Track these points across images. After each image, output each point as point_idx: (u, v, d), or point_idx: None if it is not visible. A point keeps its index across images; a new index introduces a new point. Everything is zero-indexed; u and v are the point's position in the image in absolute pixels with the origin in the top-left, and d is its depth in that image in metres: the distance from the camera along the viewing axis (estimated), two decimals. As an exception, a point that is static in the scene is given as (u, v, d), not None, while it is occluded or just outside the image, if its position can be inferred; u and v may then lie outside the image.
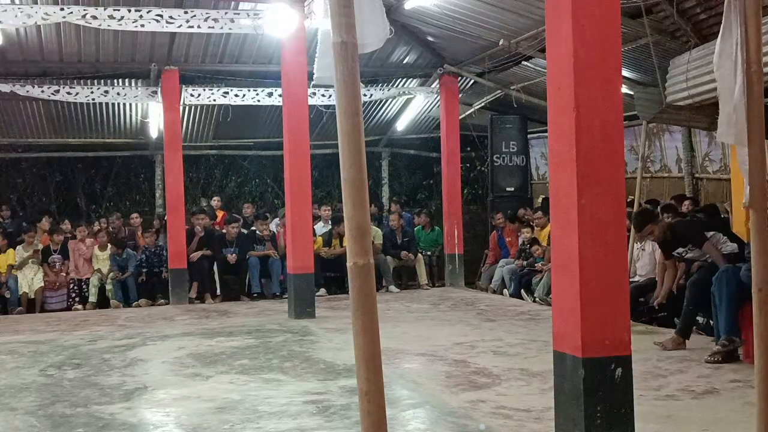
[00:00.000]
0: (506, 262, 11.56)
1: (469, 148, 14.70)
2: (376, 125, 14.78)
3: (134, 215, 12.68)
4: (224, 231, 11.75)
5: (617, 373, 3.84)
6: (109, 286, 11.24)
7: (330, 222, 12.16)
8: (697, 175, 10.78)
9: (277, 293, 11.45)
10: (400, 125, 14.90)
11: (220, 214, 12.94)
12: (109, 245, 11.49)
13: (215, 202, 13.50)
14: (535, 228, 11.28)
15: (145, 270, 11.42)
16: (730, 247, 6.84)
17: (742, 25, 3.11)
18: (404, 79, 12.97)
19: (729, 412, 4.73)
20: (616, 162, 3.92)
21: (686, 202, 9.90)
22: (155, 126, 13.00)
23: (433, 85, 12.70)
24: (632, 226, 7.36)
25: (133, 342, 7.87)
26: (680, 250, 6.96)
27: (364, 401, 1.98)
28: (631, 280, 7.50)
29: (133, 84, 11.97)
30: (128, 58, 11.40)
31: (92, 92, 11.46)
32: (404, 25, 11.23)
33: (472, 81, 12.76)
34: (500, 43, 9.97)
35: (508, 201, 13.16)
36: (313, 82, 9.82)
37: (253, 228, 11.96)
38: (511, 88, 11.98)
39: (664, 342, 6.69)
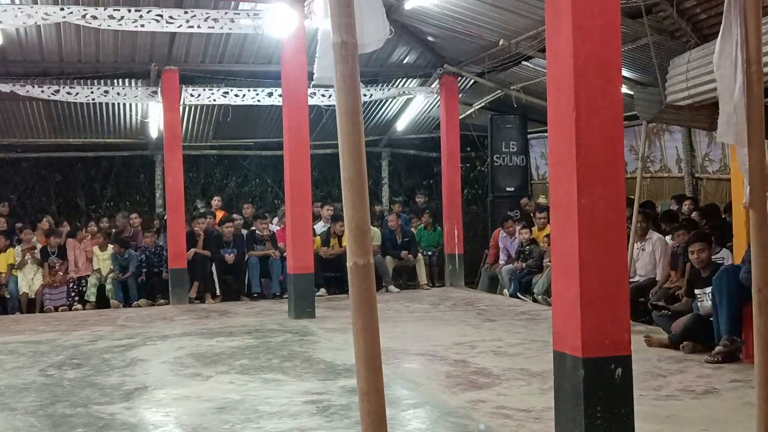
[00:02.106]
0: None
1: (469, 148, 14.70)
2: (376, 125, 14.78)
3: (134, 215, 12.68)
4: (221, 231, 11.75)
5: (617, 373, 3.84)
6: (108, 286, 11.24)
7: (329, 221, 12.16)
8: (697, 175, 10.78)
9: (277, 293, 11.45)
10: (400, 125, 14.90)
11: (219, 214, 12.94)
12: (110, 245, 11.49)
13: (215, 202, 13.49)
14: (534, 228, 11.29)
15: (145, 270, 11.42)
16: None
17: (742, 25, 3.10)
18: (404, 79, 12.97)
19: (729, 412, 4.73)
20: (616, 162, 3.92)
21: (686, 202, 9.89)
22: (155, 126, 12.99)
23: (433, 85, 12.70)
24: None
25: (133, 342, 7.87)
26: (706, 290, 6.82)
27: (364, 401, 1.98)
28: (631, 280, 7.50)
29: (133, 84, 11.97)
30: (128, 58, 11.40)
31: (92, 92, 11.45)
32: (404, 25, 11.23)
33: (472, 81, 12.76)
34: (500, 43, 9.97)
35: (508, 201, 13.16)
36: (313, 82, 9.83)
37: (253, 228, 11.96)
38: (511, 88, 11.98)
39: (651, 338, 6.76)
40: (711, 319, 6.34)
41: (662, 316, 7.03)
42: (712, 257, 7.32)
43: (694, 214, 8.95)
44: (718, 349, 6.00)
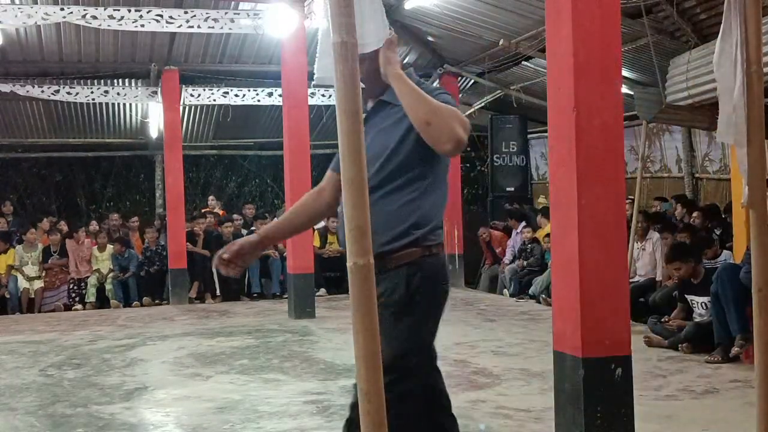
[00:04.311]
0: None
1: (469, 148, 14.68)
2: (376, 125, 14.76)
3: (134, 218, 12.67)
4: (221, 231, 11.75)
5: (617, 373, 3.84)
6: (108, 286, 11.24)
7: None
8: (697, 175, 10.78)
9: (277, 293, 11.45)
10: (400, 125, 14.88)
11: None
12: (109, 246, 11.49)
13: (211, 201, 13.50)
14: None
15: (145, 269, 11.43)
16: None
17: (742, 25, 3.10)
18: (404, 79, 12.95)
19: (729, 412, 4.73)
20: (616, 162, 3.92)
21: (678, 205, 9.71)
22: (155, 126, 13.00)
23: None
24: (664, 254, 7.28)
25: (133, 342, 7.87)
26: (696, 299, 6.79)
27: (364, 401, 1.97)
28: (631, 280, 7.50)
29: (133, 84, 11.97)
30: (128, 58, 11.40)
31: (92, 92, 11.46)
32: (404, 25, 11.23)
33: (472, 81, 12.76)
34: (500, 43, 9.97)
35: (508, 201, 13.15)
36: (313, 83, 9.84)
37: (253, 228, 11.96)
38: (511, 88, 11.98)
39: (651, 338, 6.78)
40: (709, 320, 6.34)
41: (657, 324, 7.01)
42: (716, 259, 7.32)
43: (695, 214, 8.90)
44: (735, 350, 5.90)
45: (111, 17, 9.12)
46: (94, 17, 9.06)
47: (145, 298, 11.22)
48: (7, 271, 11.02)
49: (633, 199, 8.31)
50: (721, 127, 3.29)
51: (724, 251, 7.67)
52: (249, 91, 11.95)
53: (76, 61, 11.28)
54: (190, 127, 13.85)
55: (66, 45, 10.88)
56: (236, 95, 11.95)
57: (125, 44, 10.96)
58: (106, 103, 12.55)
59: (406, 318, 2.65)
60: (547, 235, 10.03)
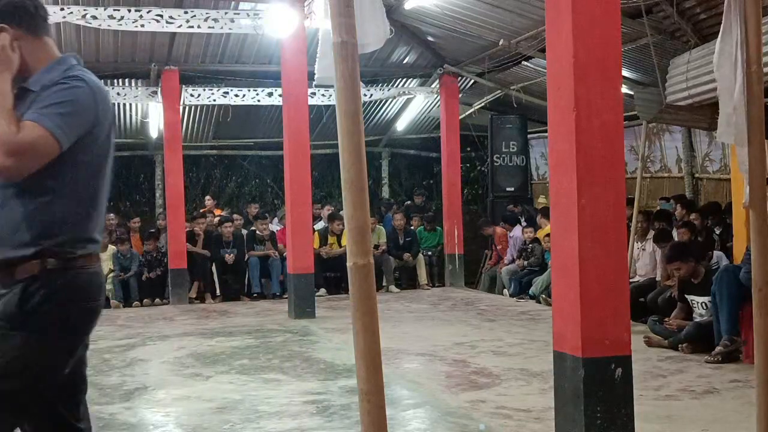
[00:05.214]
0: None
1: (469, 148, 14.70)
2: (376, 125, 14.78)
3: (136, 219, 12.65)
4: (221, 231, 11.75)
5: (617, 373, 3.84)
6: (109, 286, 11.23)
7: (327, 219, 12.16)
8: (697, 175, 10.79)
9: (277, 293, 11.45)
10: (400, 125, 14.90)
11: (217, 213, 12.94)
12: (111, 246, 11.49)
13: (208, 201, 13.48)
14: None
15: (145, 269, 11.42)
16: None
17: (742, 25, 3.11)
18: (404, 79, 12.97)
19: (729, 412, 4.73)
20: (616, 162, 3.92)
21: (678, 205, 9.71)
22: (155, 126, 13.00)
23: (433, 85, 12.70)
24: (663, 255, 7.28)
25: (133, 342, 7.87)
26: (696, 299, 6.79)
27: (364, 401, 1.98)
28: (631, 280, 7.50)
29: (133, 84, 11.97)
30: (128, 58, 11.39)
31: (92, 92, 11.43)
32: (404, 25, 11.23)
33: (472, 81, 12.76)
34: (500, 43, 9.97)
35: (508, 201, 13.16)
36: (314, 83, 9.84)
37: (253, 228, 11.96)
38: (511, 88, 11.99)
39: (651, 338, 6.80)
40: (709, 320, 6.34)
41: (657, 324, 7.01)
42: (710, 262, 7.32)
43: (695, 215, 8.90)
44: (718, 349, 5.99)
45: (111, 17, 9.12)
46: (94, 17, 9.06)
47: (145, 300, 11.21)
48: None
49: (633, 199, 8.31)
50: (721, 127, 3.29)
51: (715, 252, 7.67)
52: (249, 91, 11.95)
53: (76, 61, 11.26)
54: (190, 127, 13.85)
55: (66, 45, 10.85)
56: (236, 95, 11.95)
57: (125, 44, 10.96)
58: (106, 103, 12.54)
59: (16, 335, 2.26)
60: (547, 235, 10.04)
